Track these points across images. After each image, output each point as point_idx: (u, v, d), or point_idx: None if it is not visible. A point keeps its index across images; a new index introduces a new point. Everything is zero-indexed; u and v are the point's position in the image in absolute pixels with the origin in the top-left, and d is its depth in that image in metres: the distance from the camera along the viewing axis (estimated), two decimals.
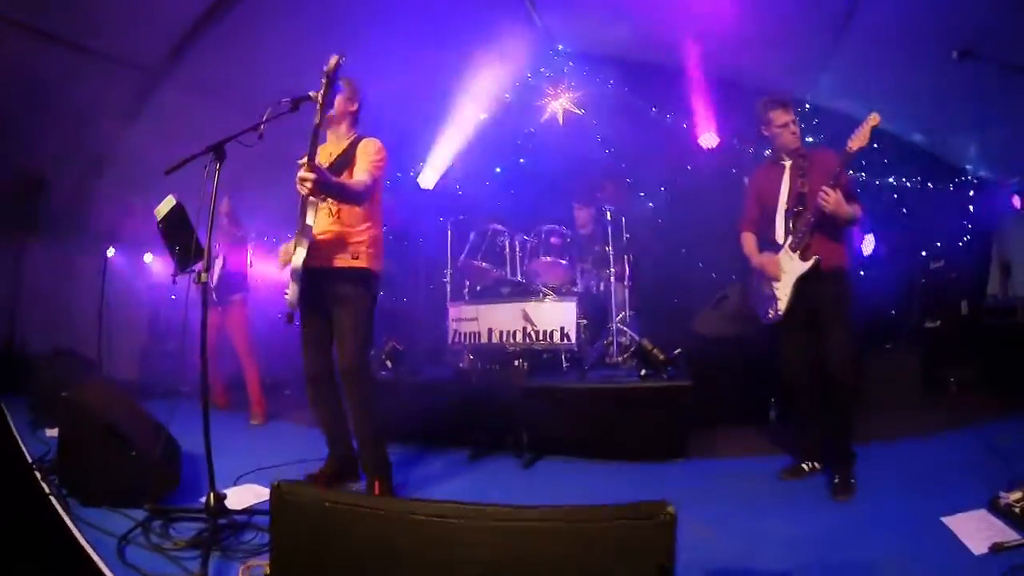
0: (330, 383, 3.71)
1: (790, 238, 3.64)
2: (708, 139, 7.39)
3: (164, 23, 5.84)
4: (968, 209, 6.98)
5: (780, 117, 3.72)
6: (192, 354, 8.29)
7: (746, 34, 6.32)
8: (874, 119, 3.37)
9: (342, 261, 3.58)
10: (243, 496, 3.39)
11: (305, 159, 3.12)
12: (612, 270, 5.86)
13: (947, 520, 2.82)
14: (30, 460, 4.01)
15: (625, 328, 5.81)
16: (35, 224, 7.54)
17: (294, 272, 3.39)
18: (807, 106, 7.35)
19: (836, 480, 3.42)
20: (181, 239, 3.40)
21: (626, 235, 6.17)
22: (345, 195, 3.45)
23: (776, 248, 3.74)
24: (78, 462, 3.28)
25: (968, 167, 7.06)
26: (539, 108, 8.12)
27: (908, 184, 7.09)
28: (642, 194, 7.82)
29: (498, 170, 8.57)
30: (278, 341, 8.66)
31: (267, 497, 3.39)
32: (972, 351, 6.22)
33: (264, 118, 3.08)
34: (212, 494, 2.81)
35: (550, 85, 8.07)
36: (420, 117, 7.78)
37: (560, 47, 8.00)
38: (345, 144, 3.71)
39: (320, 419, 3.83)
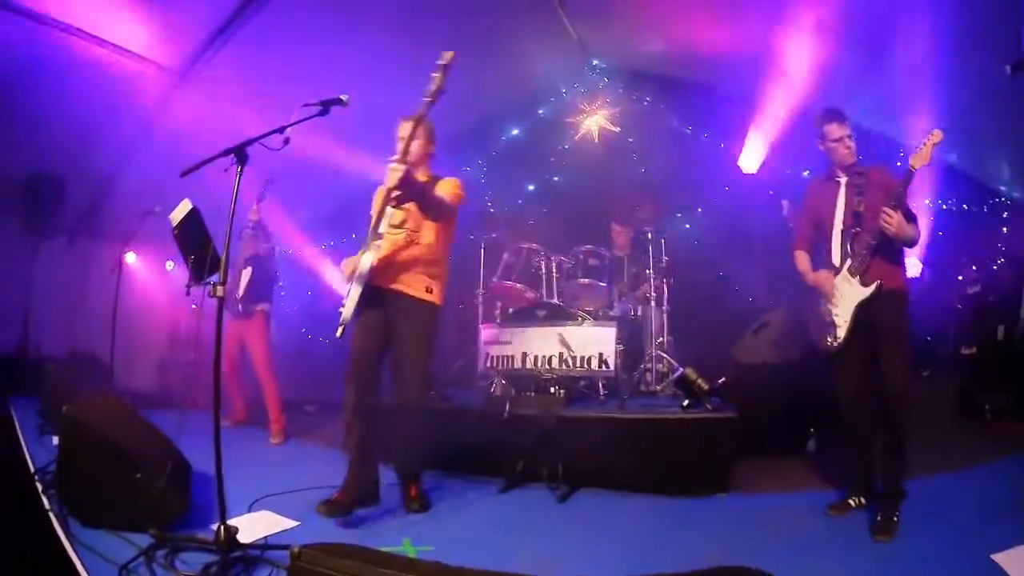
0: (375, 405, 3.61)
1: (848, 261, 3.46)
2: (749, 161, 7.15)
3: (190, 23, 5.70)
4: (1003, 231, 6.69)
5: (835, 131, 3.52)
6: (209, 366, 8.17)
7: (785, 51, 6.13)
8: (936, 136, 3.21)
9: (415, 291, 3.62)
10: (257, 525, 3.15)
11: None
12: (653, 294, 5.61)
13: (997, 557, 2.68)
14: (33, 470, 3.81)
15: (664, 355, 5.53)
16: (53, 224, 7.44)
17: (360, 276, 3.40)
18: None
19: (879, 518, 3.18)
20: (196, 248, 3.19)
21: (665, 257, 5.91)
22: (427, 200, 3.46)
23: (830, 270, 3.56)
24: (78, 481, 3.05)
25: (1003, 188, 6.78)
26: (574, 124, 7.91)
27: (944, 206, 6.83)
28: (678, 215, 7.58)
29: (531, 188, 8.36)
30: (300, 356, 8.53)
31: (284, 527, 3.20)
32: (1008, 377, 5.91)
33: (291, 120, 2.89)
34: (223, 526, 2.54)
35: (585, 101, 7.87)
36: (450, 130, 7.59)
37: (595, 62, 7.80)
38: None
39: (354, 440, 3.54)
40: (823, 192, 3.67)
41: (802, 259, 3.76)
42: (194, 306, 9.12)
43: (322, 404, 7.57)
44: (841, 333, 3.47)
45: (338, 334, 3.41)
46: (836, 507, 3.54)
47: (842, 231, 3.52)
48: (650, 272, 5.66)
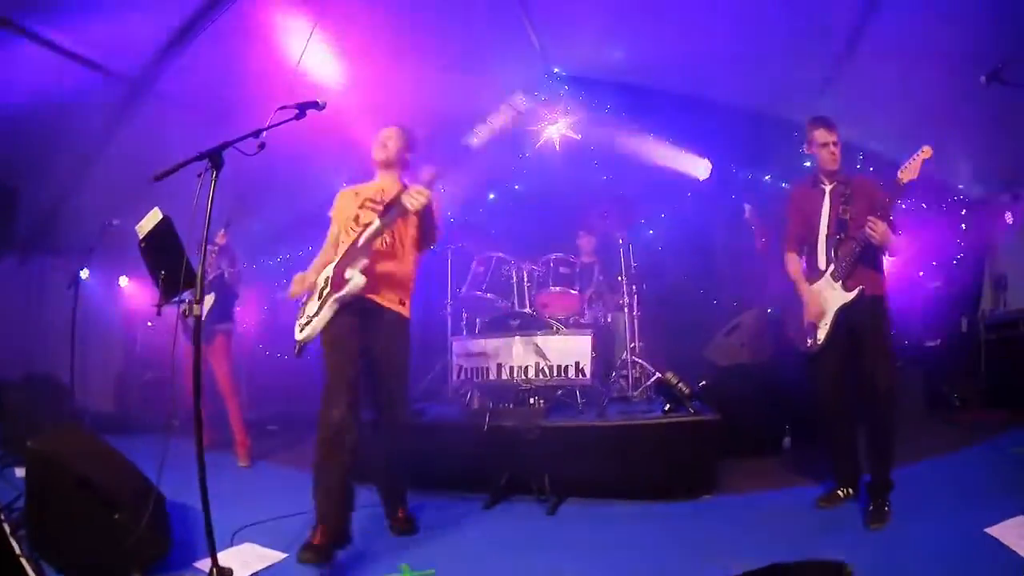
0: (352, 431, 3.15)
1: (832, 267, 3.59)
2: (700, 169, 7.24)
3: (150, 30, 5.44)
4: (961, 228, 7.00)
5: (822, 136, 3.66)
6: (171, 386, 7.93)
7: (745, 57, 6.21)
8: (926, 152, 3.35)
9: (390, 303, 3.45)
10: (246, 560, 3.02)
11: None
12: (626, 300, 5.62)
13: (990, 530, 2.89)
14: None
15: (639, 360, 5.53)
16: (4, 240, 7.03)
17: (347, 294, 3.15)
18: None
19: (871, 508, 3.32)
20: (168, 262, 2.98)
21: (633, 263, 5.90)
22: (434, 229, 3.48)
23: (816, 273, 3.69)
24: (49, 523, 2.81)
25: (960, 186, 7.04)
26: (534, 132, 7.86)
27: (903, 205, 7.04)
28: (642, 220, 7.62)
29: (492, 196, 8.28)
30: (260, 374, 8.30)
31: (272, 560, 3.06)
32: (974, 367, 6.30)
33: (267, 124, 2.74)
34: (216, 568, 2.40)
35: (545, 109, 7.82)
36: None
37: (556, 70, 7.76)
38: (392, 193, 3.45)
39: (331, 473, 3.10)
40: (809, 197, 3.78)
41: (793, 263, 3.84)
42: (150, 324, 8.84)
43: (284, 422, 7.36)
44: (822, 335, 3.59)
45: (296, 352, 3.20)
46: (826, 499, 3.66)
47: (826, 236, 3.64)
48: (623, 279, 5.65)
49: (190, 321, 5.68)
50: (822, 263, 3.65)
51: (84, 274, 6.76)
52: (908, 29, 5.28)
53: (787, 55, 6.10)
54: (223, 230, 5.63)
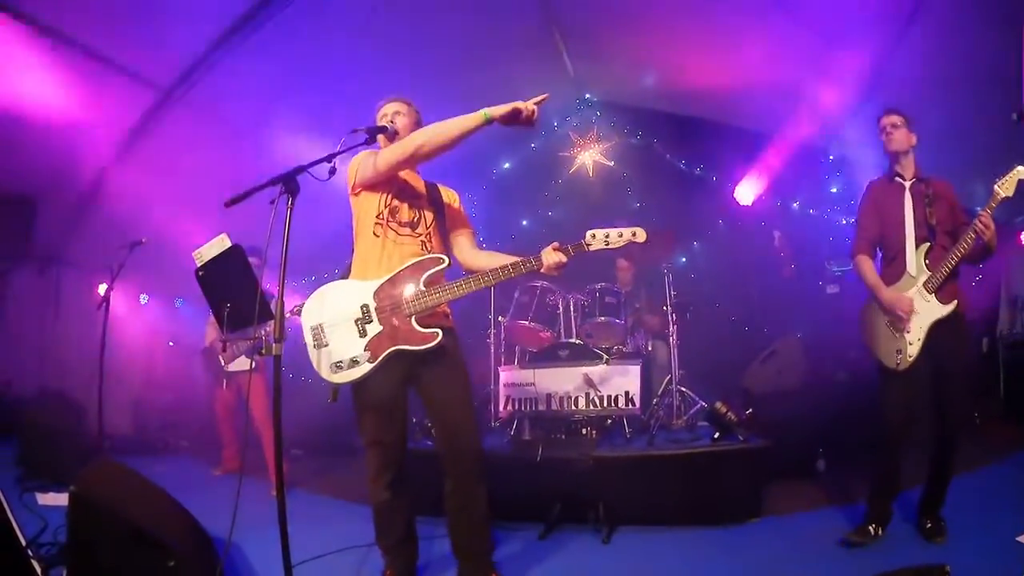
0: (401, 508, 3.01)
1: (924, 276, 3.38)
2: (744, 194, 7.22)
3: (183, 41, 5.40)
4: None
5: (883, 120, 3.59)
6: (190, 407, 7.86)
7: (774, 85, 6.22)
8: (1021, 172, 3.21)
9: (435, 318, 2.90)
10: None
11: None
12: (672, 328, 5.58)
13: (1023, 539, 3.07)
14: (24, 542, 2.87)
15: (684, 389, 5.51)
16: (23, 250, 6.95)
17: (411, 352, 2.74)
18: (831, 157, 7.30)
19: (929, 525, 3.37)
20: (235, 294, 2.90)
21: (672, 292, 5.85)
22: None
23: (902, 281, 3.46)
24: (95, 570, 2.52)
25: (976, 208, 7.06)
26: (567, 158, 7.85)
27: None
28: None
29: (525, 223, 8.24)
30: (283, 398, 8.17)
31: None
32: (994, 386, 6.39)
33: (338, 148, 2.68)
34: None
35: (578, 135, 7.83)
36: (439, 162, 7.46)
37: (587, 96, 7.79)
38: (422, 187, 3.10)
39: (393, 519, 3.00)
40: (887, 194, 3.59)
41: (867, 266, 3.58)
42: (171, 343, 8.74)
43: (308, 448, 7.26)
44: (913, 351, 3.33)
45: (331, 398, 2.80)
46: (858, 534, 3.42)
47: (915, 240, 3.44)
48: (668, 308, 5.64)
49: (222, 352, 5.57)
50: (913, 270, 3.41)
51: (101, 288, 6.68)
52: (933, 59, 5.37)
53: (815, 82, 6.12)
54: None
